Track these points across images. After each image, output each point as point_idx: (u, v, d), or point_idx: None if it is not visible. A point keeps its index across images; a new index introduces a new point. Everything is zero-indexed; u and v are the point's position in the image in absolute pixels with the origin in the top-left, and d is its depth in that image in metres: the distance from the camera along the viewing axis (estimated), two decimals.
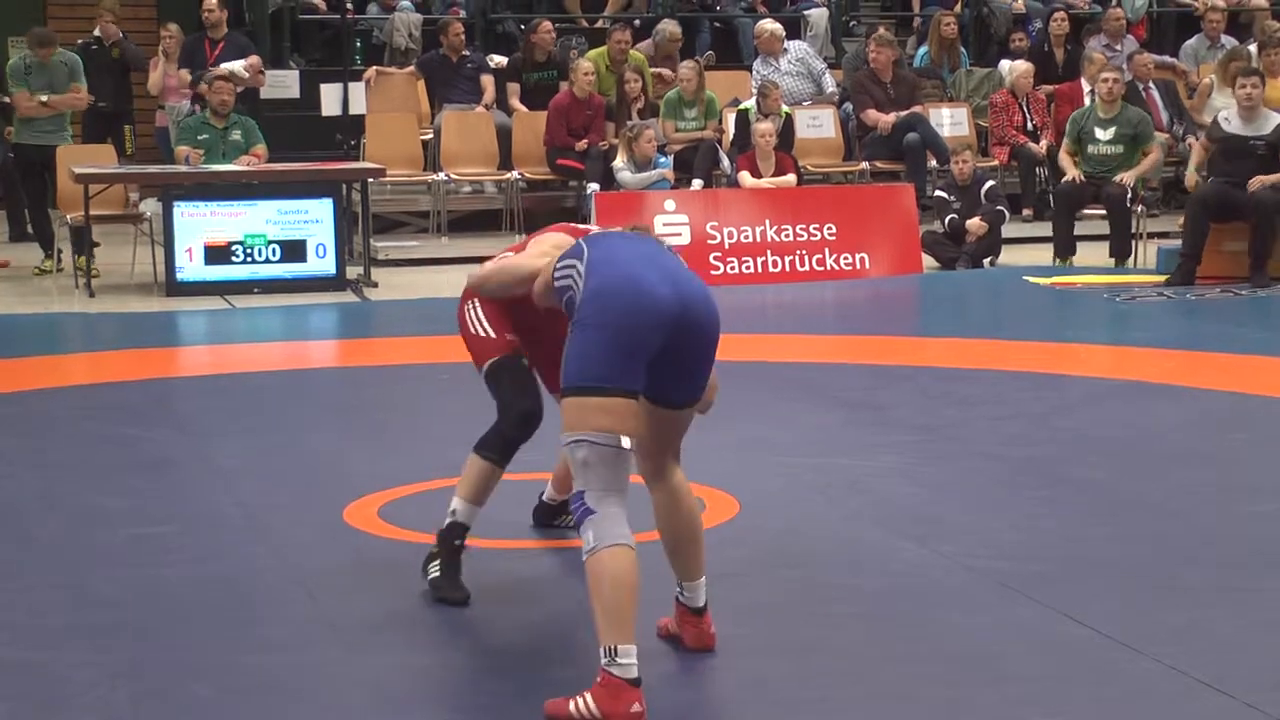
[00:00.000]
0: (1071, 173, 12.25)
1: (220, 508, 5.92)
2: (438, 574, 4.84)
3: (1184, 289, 11.08)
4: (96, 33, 13.88)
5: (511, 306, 4.88)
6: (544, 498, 5.54)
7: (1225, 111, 11.61)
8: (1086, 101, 13.68)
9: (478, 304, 4.97)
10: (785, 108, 13.56)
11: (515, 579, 4.79)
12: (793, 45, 14.86)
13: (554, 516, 5.52)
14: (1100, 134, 12.34)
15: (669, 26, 15.03)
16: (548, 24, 14.55)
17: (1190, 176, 11.53)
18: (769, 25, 14.74)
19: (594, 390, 3.95)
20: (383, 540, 5.47)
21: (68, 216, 11.84)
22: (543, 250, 4.57)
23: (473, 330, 4.98)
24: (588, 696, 3.87)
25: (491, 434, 4.89)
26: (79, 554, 5.36)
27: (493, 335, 4.93)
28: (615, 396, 3.95)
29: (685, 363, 4.15)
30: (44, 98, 12.29)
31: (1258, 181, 11.11)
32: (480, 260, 13.34)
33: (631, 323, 3.97)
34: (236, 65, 12.99)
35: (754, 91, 13.81)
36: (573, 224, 5.03)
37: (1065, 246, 12.35)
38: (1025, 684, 4.19)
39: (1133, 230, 12.33)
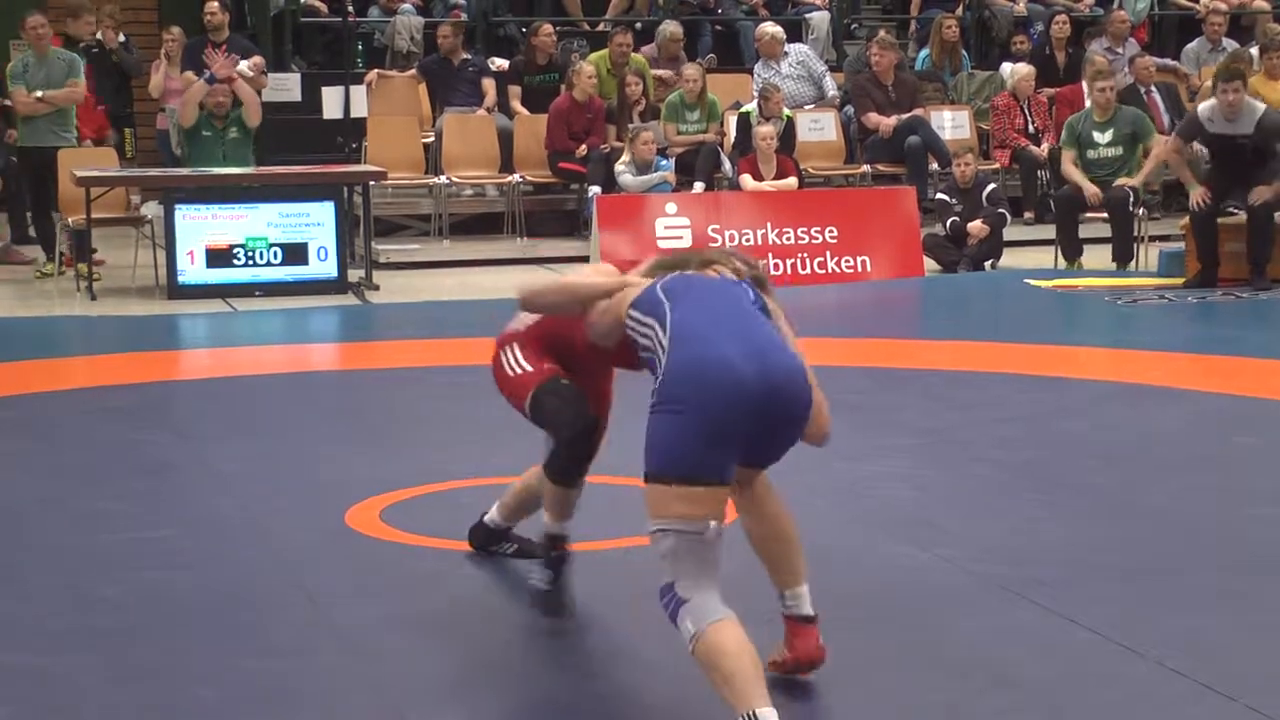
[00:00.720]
0: (1087, 187, 12.08)
1: (222, 511, 5.92)
2: (546, 586, 4.65)
3: (1185, 291, 11.08)
4: (98, 36, 13.89)
5: (549, 344, 4.66)
6: (485, 519, 5.21)
7: (1205, 110, 11.37)
8: (1087, 104, 13.66)
9: (515, 347, 4.71)
10: (786, 111, 13.57)
11: (520, 584, 4.79)
12: (794, 48, 14.86)
13: (491, 541, 5.20)
14: (1099, 137, 12.32)
15: (669, 26, 15.04)
16: (549, 27, 14.55)
17: (1194, 198, 11.32)
18: (770, 28, 14.74)
19: (677, 480, 3.77)
20: (385, 544, 5.46)
21: (69, 219, 11.84)
22: (605, 272, 4.40)
23: (510, 373, 4.68)
24: None
25: (555, 457, 4.62)
26: (80, 558, 5.36)
27: (530, 369, 4.65)
28: (699, 486, 3.77)
29: (770, 437, 3.94)
30: (39, 93, 12.19)
31: (1259, 194, 11.04)
32: (482, 264, 13.30)
33: (715, 414, 3.77)
34: (242, 66, 12.99)
35: (755, 94, 13.83)
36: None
37: (1072, 250, 12.33)
38: (1026, 688, 4.19)
39: (1134, 233, 12.34)
